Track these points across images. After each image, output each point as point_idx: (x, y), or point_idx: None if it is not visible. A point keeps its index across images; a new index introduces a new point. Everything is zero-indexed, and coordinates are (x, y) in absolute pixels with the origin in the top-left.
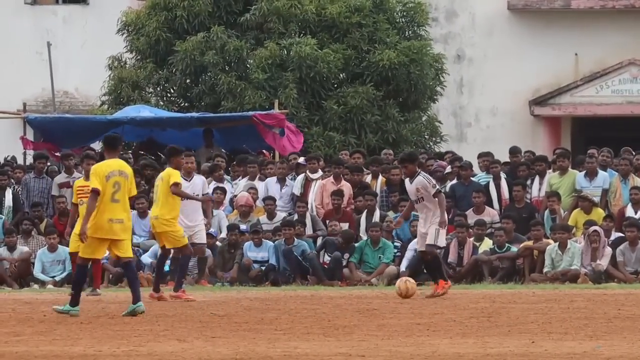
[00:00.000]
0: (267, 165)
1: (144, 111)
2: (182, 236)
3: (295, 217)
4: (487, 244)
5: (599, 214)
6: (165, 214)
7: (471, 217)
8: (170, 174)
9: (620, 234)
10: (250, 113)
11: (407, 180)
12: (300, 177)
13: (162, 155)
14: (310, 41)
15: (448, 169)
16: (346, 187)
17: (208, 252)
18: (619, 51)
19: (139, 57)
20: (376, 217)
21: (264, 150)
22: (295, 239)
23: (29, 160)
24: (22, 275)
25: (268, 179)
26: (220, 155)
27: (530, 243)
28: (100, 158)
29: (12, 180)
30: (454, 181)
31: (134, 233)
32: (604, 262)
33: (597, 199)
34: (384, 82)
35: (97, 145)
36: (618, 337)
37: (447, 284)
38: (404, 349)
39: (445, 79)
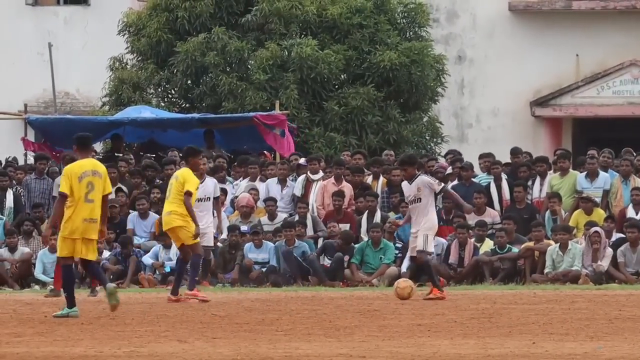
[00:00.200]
0: (268, 166)
1: (145, 112)
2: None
3: (296, 218)
4: (488, 244)
5: (599, 214)
6: (177, 209)
7: (472, 218)
8: (186, 179)
9: (621, 235)
10: (251, 114)
11: (404, 182)
12: (301, 178)
13: (163, 156)
14: (311, 42)
15: (449, 170)
16: (347, 188)
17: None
18: (620, 52)
19: (140, 58)
20: (377, 218)
21: (265, 151)
22: (296, 240)
23: (30, 161)
24: (23, 276)
25: (269, 179)
26: (222, 156)
27: (531, 244)
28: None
29: (14, 182)
30: (455, 182)
31: (134, 234)
32: (604, 263)
33: (598, 200)
34: (385, 83)
35: (98, 146)
36: (619, 338)
37: (441, 294)
38: (405, 349)
39: (446, 80)
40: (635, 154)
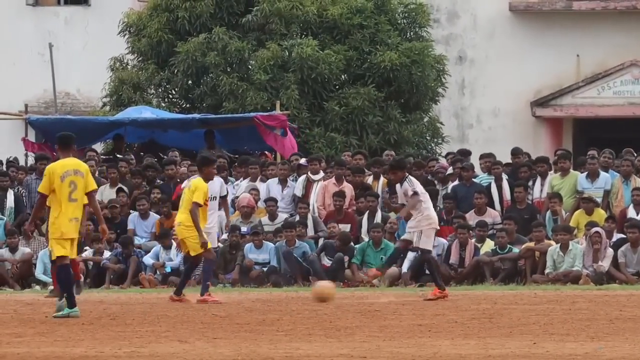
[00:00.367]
0: (268, 166)
1: (146, 112)
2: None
3: (297, 218)
4: (488, 245)
5: (600, 215)
6: (186, 220)
7: (473, 218)
8: (196, 189)
9: (622, 235)
10: (252, 114)
11: (398, 184)
12: (302, 178)
13: (163, 157)
14: (311, 42)
15: (450, 170)
16: (348, 188)
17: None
18: (620, 52)
19: (140, 59)
20: (378, 218)
21: (265, 152)
22: (296, 240)
23: (31, 161)
24: (24, 277)
25: (269, 180)
26: (222, 157)
27: (531, 244)
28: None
29: (15, 182)
30: (456, 182)
31: (135, 234)
32: (605, 264)
33: (598, 200)
34: (385, 84)
35: (99, 147)
36: (620, 338)
37: (441, 293)
38: (405, 350)
39: (447, 80)
40: (635, 154)
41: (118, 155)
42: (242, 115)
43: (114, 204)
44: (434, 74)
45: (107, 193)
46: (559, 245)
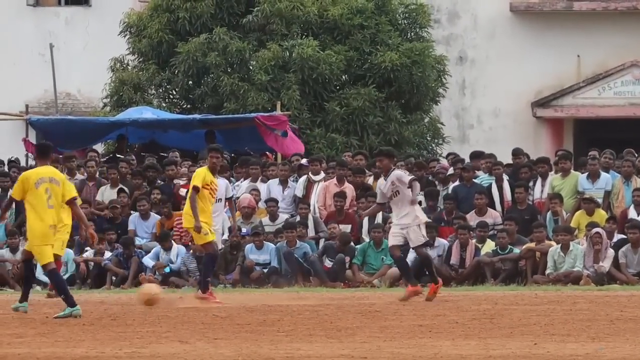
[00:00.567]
0: (269, 166)
1: (147, 113)
2: (206, 233)
3: (298, 218)
4: (489, 245)
5: (601, 215)
6: (190, 210)
7: (473, 219)
8: (196, 175)
9: (623, 236)
10: (253, 115)
11: (380, 180)
12: (303, 178)
13: (164, 157)
14: (312, 43)
15: (450, 171)
16: (349, 188)
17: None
18: (621, 53)
19: (141, 59)
20: (379, 218)
21: (266, 152)
22: (297, 241)
23: (31, 162)
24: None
25: (270, 180)
26: (223, 157)
27: (532, 245)
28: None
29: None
30: (456, 183)
31: (135, 235)
32: (606, 264)
33: (599, 201)
34: (386, 84)
35: (99, 147)
36: (620, 339)
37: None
38: (406, 350)
39: (448, 81)
40: (636, 155)
41: (118, 156)
42: (242, 116)
43: (115, 205)
44: (435, 74)
45: (107, 194)
46: (559, 245)
